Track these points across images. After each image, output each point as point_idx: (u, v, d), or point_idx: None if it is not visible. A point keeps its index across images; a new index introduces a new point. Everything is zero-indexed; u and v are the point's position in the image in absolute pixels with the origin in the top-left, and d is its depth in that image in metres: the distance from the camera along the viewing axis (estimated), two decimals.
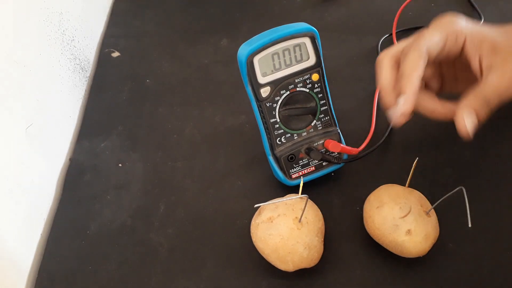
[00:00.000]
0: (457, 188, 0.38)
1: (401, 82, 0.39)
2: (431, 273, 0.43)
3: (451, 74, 0.45)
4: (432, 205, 0.42)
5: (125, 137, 0.59)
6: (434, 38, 0.39)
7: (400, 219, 0.41)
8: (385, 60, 0.42)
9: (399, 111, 0.39)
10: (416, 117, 0.43)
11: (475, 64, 0.40)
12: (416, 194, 0.43)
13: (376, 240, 0.43)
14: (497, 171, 0.50)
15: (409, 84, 0.38)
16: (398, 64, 0.41)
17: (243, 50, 0.44)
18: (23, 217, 0.48)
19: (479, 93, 0.38)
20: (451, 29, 0.40)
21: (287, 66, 0.45)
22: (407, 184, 0.44)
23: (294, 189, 0.49)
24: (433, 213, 0.42)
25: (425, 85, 0.45)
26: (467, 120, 0.38)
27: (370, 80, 0.61)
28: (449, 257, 0.44)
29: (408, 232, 0.41)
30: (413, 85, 0.38)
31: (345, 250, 0.46)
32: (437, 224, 0.43)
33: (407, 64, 0.39)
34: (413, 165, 0.42)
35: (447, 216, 0.43)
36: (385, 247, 0.43)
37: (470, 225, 0.37)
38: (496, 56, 0.39)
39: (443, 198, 0.40)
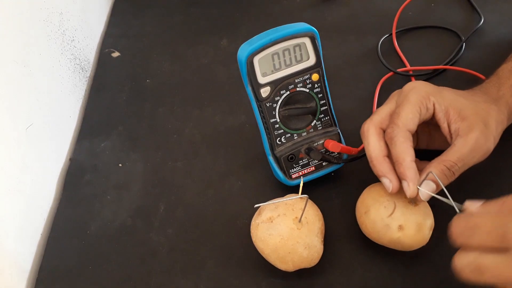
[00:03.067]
0: (428, 172, 0.40)
1: (399, 169, 0.41)
2: (431, 271, 0.43)
3: (426, 132, 0.48)
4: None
5: (125, 137, 0.59)
6: (409, 115, 0.42)
7: (388, 218, 0.41)
8: (370, 130, 0.44)
9: (409, 194, 0.41)
10: None
11: (444, 128, 0.44)
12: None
13: (376, 242, 0.44)
14: (495, 168, 0.50)
15: (408, 170, 0.40)
16: (382, 132, 0.44)
17: (243, 50, 0.44)
18: (23, 217, 0.49)
19: (443, 160, 0.41)
20: (421, 100, 0.43)
21: (287, 66, 0.45)
22: None
23: (294, 189, 0.49)
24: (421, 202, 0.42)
25: None
26: (421, 191, 0.40)
27: (370, 80, 0.61)
28: (449, 254, 0.44)
29: (400, 227, 0.41)
30: (412, 169, 0.41)
31: (345, 250, 0.46)
32: (429, 209, 0.43)
33: (398, 151, 0.41)
34: None
35: (446, 213, 0.43)
36: (387, 246, 0.43)
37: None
38: (463, 123, 0.42)
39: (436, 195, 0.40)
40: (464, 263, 0.32)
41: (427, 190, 0.40)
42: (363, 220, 0.43)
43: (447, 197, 0.37)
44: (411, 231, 0.41)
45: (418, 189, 0.40)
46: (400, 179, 0.41)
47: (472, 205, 0.36)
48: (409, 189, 0.40)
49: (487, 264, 0.31)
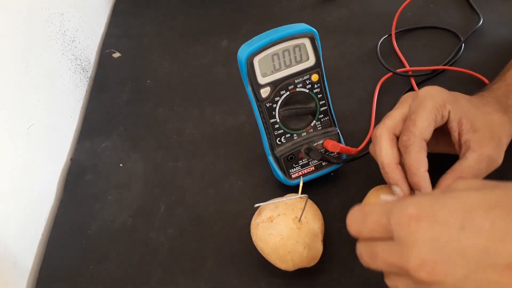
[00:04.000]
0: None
1: (413, 179, 0.40)
2: None
3: (433, 137, 0.47)
4: None
5: (125, 137, 0.59)
6: (425, 123, 0.41)
7: None
8: (383, 136, 0.43)
9: None
10: None
11: (455, 137, 0.43)
12: None
13: None
14: (498, 172, 0.50)
15: (422, 180, 0.40)
16: (395, 138, 0.43)
17: (243, 51, 0.44)
18: (24, 217, 0.49)
19: (455, 173, 0.41)
20: (437, 107, 0.42)
21: (287, 66, 0.45)
22: None
23: (294, 189, 0.49)
24: None
25: None
26: None
27: (370, 81, 0.61)
28: None
29: None
30: (426, 180, 0.40)
31: (345, 250, 0.46)
32: None
33: (413, 160, 0.40)
34: None
35: None
36: None
37: None
38: (474, 135, 0.42)
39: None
40: (361, 249, 0.34)
41: None
42: None
43: None
44: None
45: None
46: (412, 188, 0.41)
47: (386, 198, 0.38)
48: None
49: (377, 251, 0.32)
